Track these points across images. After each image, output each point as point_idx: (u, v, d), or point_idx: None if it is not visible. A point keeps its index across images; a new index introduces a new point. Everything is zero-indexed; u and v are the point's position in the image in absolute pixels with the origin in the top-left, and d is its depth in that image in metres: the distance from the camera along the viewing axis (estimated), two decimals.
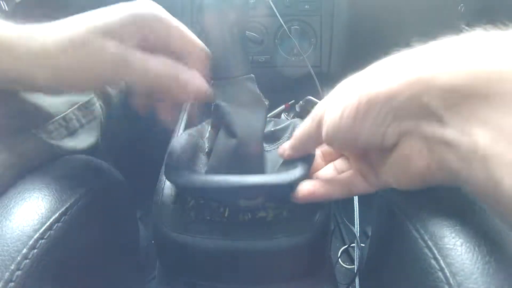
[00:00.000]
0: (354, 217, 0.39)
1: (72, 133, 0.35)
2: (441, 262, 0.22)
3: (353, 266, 0.41)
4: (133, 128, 0.57)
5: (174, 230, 0.32)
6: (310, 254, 0.34)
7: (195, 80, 0.28)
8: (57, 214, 0.25)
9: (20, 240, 0.22)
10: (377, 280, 0.35)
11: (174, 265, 0.36)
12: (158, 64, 0.26)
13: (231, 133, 0.34)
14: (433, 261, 0.23)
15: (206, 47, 0.30)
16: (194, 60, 0.28)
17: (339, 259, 0.54)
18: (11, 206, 0.24)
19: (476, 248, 0.22)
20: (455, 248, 0.22)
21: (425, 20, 0.54)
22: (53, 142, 0.32)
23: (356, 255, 0.38)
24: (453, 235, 0.23)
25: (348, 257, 0.57)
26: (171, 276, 0.37)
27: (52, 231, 0.24)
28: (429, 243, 0.23)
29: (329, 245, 0.37)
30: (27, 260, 0.22)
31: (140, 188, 0.44)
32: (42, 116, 0.32)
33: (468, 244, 0.22)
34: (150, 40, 0.26)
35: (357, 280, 0.37)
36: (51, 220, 0.24)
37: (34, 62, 0.24)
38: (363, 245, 0.44)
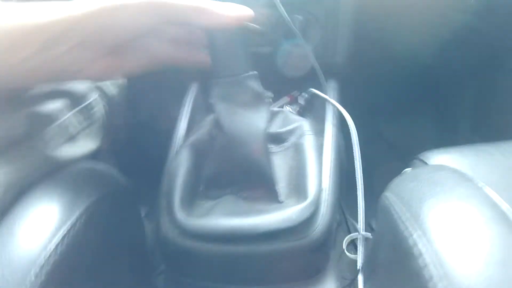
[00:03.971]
0: (357, 213, 0.38)
1: (71, 138, 0.35)
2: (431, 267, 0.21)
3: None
4: (136, 123, 0.57)
5: (178, 235, 0.33)
6: (313, 257, 0.35)
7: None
8: (64, 228, 0.25)
9: (29, 261, 0.22)
10: (377, 280, 0.35)
11: (178, 268, 0.37)
12: None
13: (221, 131, 0.33)
14: (419, 261, 0.22)
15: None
16: None
17: (345, 250, 0.55)
18: (16, 225, 0.24)
19: (468, 250, 0.21)
20: (445, 251, 0.21)
21: (434, 13, 0.52)
22: (51, 150, 0.32)
23: (359, 252, 0.38)
24: (443, 237, 0.22)
25: (354, 247, 0.57)
26: (176, 277, 0.38)
27: (60, 246, 0.24)
28: (419, 244, 0.23)
29: (331, 247, 0.37)
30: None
31: (144, 185, 0.44)
32: (41, 122, 0.32)
33: (458, 246, 0.21)
34: None
35: (360, 278, 0.37)
36: (57, 236, 0.24)
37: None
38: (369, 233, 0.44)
